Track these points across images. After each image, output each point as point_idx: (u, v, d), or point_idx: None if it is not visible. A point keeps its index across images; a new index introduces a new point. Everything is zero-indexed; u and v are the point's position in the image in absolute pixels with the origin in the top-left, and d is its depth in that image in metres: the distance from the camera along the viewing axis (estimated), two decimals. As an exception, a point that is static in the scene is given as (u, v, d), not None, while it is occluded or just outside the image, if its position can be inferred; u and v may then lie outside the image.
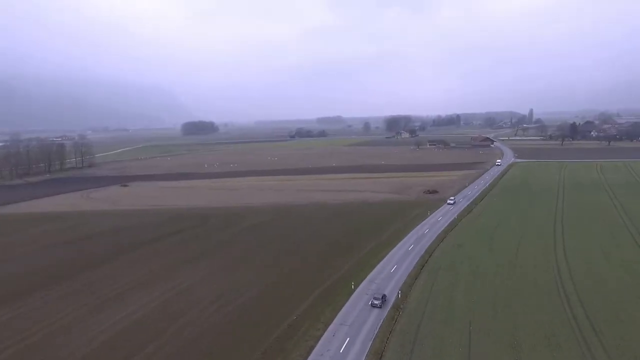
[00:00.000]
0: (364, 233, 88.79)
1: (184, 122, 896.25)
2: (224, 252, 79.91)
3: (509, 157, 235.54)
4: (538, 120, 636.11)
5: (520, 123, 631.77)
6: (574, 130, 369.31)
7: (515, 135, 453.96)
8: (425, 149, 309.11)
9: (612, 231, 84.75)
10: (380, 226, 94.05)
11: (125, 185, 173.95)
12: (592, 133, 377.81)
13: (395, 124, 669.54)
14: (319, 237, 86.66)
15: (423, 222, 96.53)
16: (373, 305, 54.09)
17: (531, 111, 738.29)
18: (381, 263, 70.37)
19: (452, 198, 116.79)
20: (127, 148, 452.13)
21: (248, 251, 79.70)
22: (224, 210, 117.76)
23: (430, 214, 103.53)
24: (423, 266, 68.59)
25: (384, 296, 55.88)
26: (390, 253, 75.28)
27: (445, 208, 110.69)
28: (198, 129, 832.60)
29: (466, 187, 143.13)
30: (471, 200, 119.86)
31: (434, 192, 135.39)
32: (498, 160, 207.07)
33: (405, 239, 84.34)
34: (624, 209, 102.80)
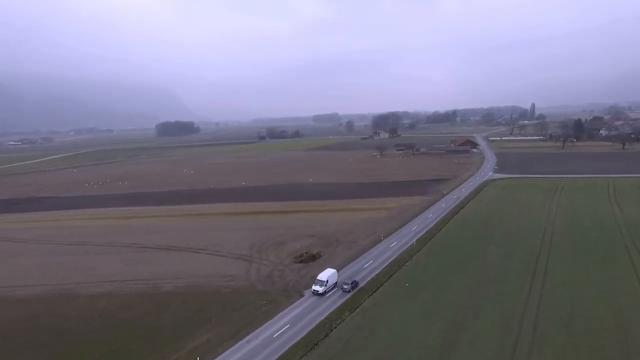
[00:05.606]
0: None
1: (181, 120, 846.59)
2: None
3: (486, 171, 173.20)
4: (540, 116, 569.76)
5: (521, 119, 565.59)
6: (578, 128, 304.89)
7: (511, 134, 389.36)
8: (389, 155, 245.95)
9: None
10: None
11: None
12: (600, 132, 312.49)
13: (382, 122, 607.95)
14: None
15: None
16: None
17: (533, 106, 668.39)
18: None
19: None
20: (66, 154, 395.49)
21: None
22: None
23: (232, 346, 43.32)
24: None
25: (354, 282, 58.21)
26: None
27: (274, 327, 50.45)
28: (175, 130, 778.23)
29: (381, 241, 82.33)
30: (357, 288, 59.09)
31: (314, 257, 74.94)
32: (322, 275, 60.10)
33: None
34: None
